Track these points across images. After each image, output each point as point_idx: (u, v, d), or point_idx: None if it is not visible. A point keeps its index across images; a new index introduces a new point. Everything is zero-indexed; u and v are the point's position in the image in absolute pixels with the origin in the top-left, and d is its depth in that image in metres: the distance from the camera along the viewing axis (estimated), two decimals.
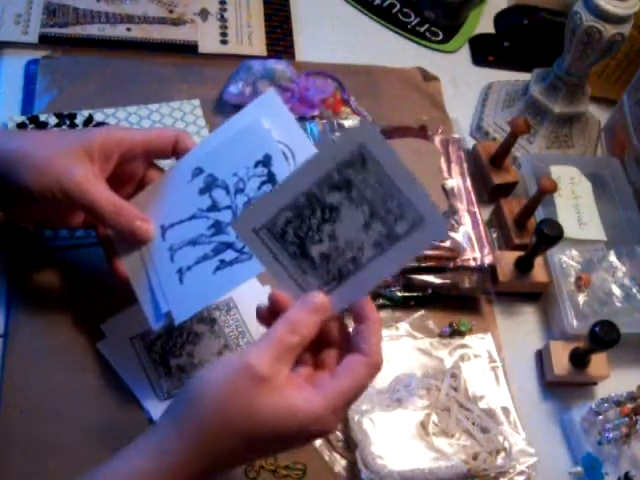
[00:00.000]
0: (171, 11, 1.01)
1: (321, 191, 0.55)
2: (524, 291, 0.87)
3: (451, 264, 0.82)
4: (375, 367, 0.56)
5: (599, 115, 1.05)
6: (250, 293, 0.73)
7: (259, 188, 0.65)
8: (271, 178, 0.64)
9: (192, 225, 0.67)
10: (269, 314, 0.58)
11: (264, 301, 0.59)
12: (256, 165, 0.65)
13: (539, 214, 0.88)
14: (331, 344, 0.58)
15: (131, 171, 0.70)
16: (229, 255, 0.65)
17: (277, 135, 0.65)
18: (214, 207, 0.66)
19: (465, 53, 1.10)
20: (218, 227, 0.66)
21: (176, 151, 0.69)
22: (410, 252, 0.55)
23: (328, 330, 0.58)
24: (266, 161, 0.65)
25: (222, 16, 1.03)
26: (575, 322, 0.82)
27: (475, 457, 0.72)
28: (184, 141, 0.69)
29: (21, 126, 0.84)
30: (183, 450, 0.53)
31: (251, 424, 0.53)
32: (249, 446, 0.54)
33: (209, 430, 0.53)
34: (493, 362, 0.81)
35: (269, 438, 0.54)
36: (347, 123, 0.90)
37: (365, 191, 0.54)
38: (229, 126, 0.68)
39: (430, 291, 0.82)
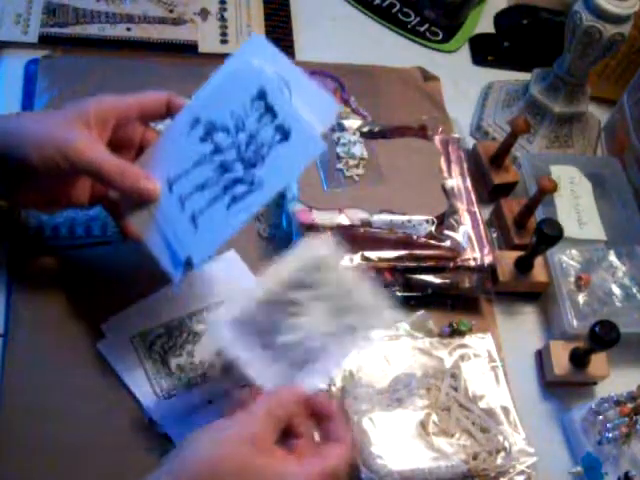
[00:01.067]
0: (171, 11, 1.01)
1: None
2: (524, 291, 0.87)
3: (451, 264, 0.82)
4: (349, 450, 0.60)
5: (599, 115, 1.05)
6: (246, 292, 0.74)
7: (259, 121, 0.65)
8: (269, 109, 0.65)
9: (198, 171, 0.68)
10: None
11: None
12: (252, 101, 0.66)
13: (539, 214, 0.88)
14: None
15: (128, 136, 0.71)
16: (239, 189, 0.65)
17: (270, 67, 0.66)
18: (217, 150, 0.67)
19: (465, 53, 1.10)
20: (224, 166, 0.67)
21: (170, 111, 0.71)
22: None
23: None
24: (262, 95, 0.65)
25: (222, 16, 1.03)
26: (575, 322, 0.82)
27: (475, 457, 0.72)
28: (176, 101, 0.71)
29: None
30: None
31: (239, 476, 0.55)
32: None
33: None
34: (493, 362, 0.81)
35: None
36: (347, 122, 0.90)
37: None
38: (220, 72, 0.69)
39: (430, 291, 0.82)
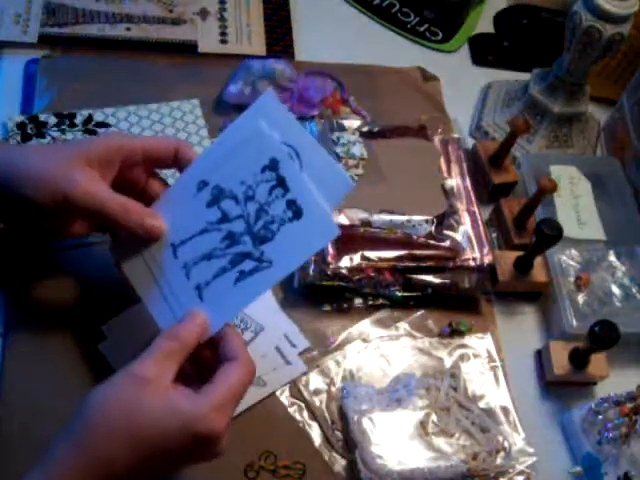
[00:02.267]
0: (171, 11, 1.01)
1: None
2: (524, 291, 0.87)
3: (451, 264, 0.82)
4: (247, 365, 0.61)
5: (599, 115, 1.05)
6: None
7: (270, 193, 0.63)
8: (281, 182, 0.62)
9: (204, 239, 0.65)
10: None
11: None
12: (263, 170, 0.63)
13: (539, 214, 0.88)
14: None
15: (132, 180, 0.69)
16: (248, 265, 0.63)
17: (280, 136, 0.63)
18: (224, 219, 0.65)
19: (465, 53, 1.10)
20: (232, 238, 0.64)
21: (177, 162, 0.68)
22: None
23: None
24: (273, 165, 0.63)
25: (222, 16, 1.03)
26: (575, 322, 0.82)
27: (475, 457, 0.72)
28: (186, 152, 0.68)
29: (21, 126, 0.84)
30: (71, 456, 0.56)
31: (132, 422, 0.57)
32: (135, 448, 0.56)
33: (93, 433, 0.56)
34: (493, 362, 0.81)
35: (154, 439, 0.57)
36: (347, 122, 0.90)
37: None
38: (230, 133, 0.66)
39: (430, 291, 0.82)
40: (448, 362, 0.80)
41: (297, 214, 0.62)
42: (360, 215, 0.82)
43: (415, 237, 0.82)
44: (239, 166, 0.64)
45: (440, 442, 0.72)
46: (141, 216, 0.65)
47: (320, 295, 0.81)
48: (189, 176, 0.67)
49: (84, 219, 0.70)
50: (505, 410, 0.78)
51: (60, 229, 0.70)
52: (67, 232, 0.70)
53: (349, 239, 0.80)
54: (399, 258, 0.80)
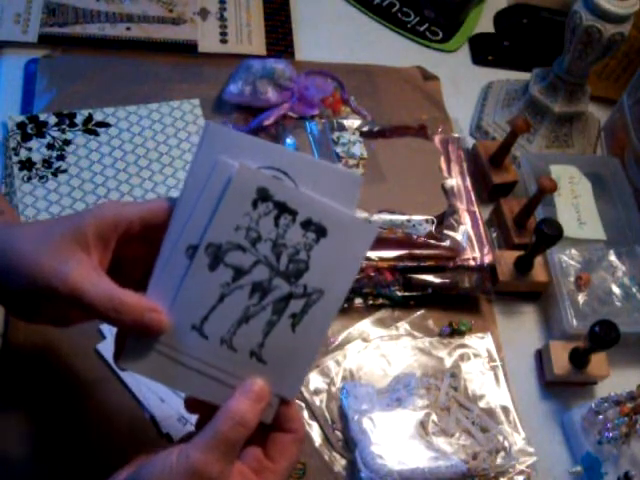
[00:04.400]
0: (171, 10, 1.01)
1: None
2: (524, 291, 0.87)
3: (451, 264, 0.82)
4: (302, 442, 0.57)
5: (599, 115, 1.05)
6: None
7: (276, 225, 0.56)
8: (282, 208, 0.55)
9: (229, 304, 0.56)
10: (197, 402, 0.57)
11: None
12: (254, 205, 0.55)
13: (539, 213, 0.88)
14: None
15: (133, 254, 0.60)
16: (297, 305, 0.56)
17: (253, 162, 0.56)
18: (239, 273, 0.56)
19: (465, 52, 1.10)
20: (261, 289, 0.56)
21: None
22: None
23: None
24: (263, 195, 0.55)
25: (222, 15, 1.03)
26: (575, 322, 0.82)
27: (475, 456, 0.72)
28: None
29: (21, 126, 0.85)
30: None
31: None
32: None
33: None
34: (493, 362, 0.81)
35: None
36: (347, 122, 0.90)
37: None
38: (193, 183, 0.56)
39: (430, 291, 0.82)
40: (448, 362, 0.80)
41: (320, 232, 0.56)
42: (360, 215, 0.82)
43: (415, 237, 0.82)
44: (223, 213, 0.55)
45: (440, 442, 0.72)
46: (140, 312, 0.55)
47: None
48: (171, 247, 0.56)
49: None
50: (505, 410, 0.78)
51: (61, 318, 0.63)
52: (69, 321, 0.63)
53: None
54: (399, 258, 0.80)
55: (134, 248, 0.59)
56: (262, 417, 0.55)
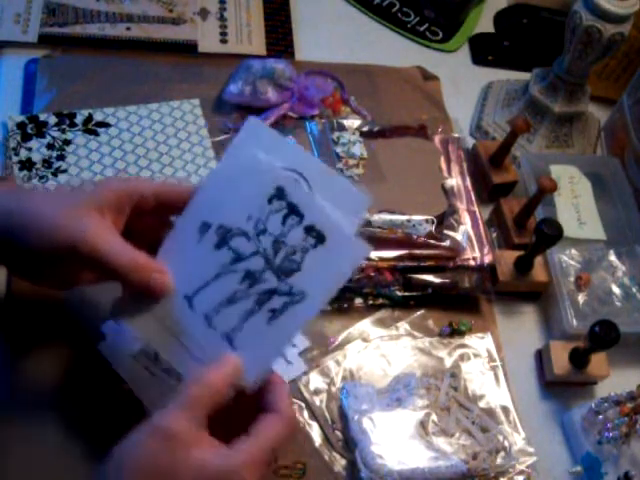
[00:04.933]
0: (171, 10, 1.01)
1: None
2: (524, 291, 0.87)
3: (451, 264, 0.82)
4: (289, 422, 0.58)
5: (599, 115, 1.05)
6: None
7: (283, 223, 0.59)
8: (292, 209, 0.59)
9: (221, 284, 0.60)
10: None
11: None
12: (270, 201, 0.59)
13: (539, 213, 0.88)
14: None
15: (143, 227, 0.65)
16: (277, 302, 0.59)
17: (279, 162, 0.60)
18: (238, 258, 0.60)
19: (465, 52, 1.10)
20: (252, 277, 0.60)
21: None
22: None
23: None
24: (280, 194, 0.59)
25: (222, 15, 1.03)
26: (575, 322, 0.82)
27: (475, 456, 0.72)
28: None
29: (21, 126, 0.85)
30: None
31: (163, 470, 0.53)
32: None
33: None
34: (493, 362, 0.81)
35: None
36: (347, 122, 0.90)
37: None
38: (223, 168, 0.63)
39: (430, 290, 0.82)
40: (448, 362, 0.80)
41: (320, 239, 0.58)
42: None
43: (415, 237, 0.82)
44: (241, 201, 0.60)
45: (440, 442, 0.72)
46: (148, 273, 0.60)
47: None
48: (188, 220, 0.62)
49: (92, 270, 0.66)
50: (505, 410, 0.78)
51: (67, 279, 0.67)
52: (74, 282, 0.67)
53: None
54: (399, 258, 0.80)
55: (144, 222, 0.64)
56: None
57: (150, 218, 0.64)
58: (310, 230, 0.59)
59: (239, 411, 0.58)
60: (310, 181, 0.59)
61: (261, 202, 0.60)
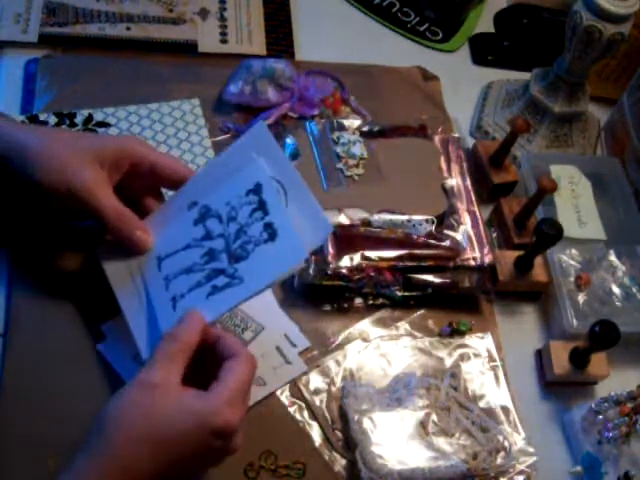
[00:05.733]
0: (171, 10, 1.01)
1: None
2: (524, 291, 0.87)
3: (451, 263, 0.82)
4: (248, 359, 0.63)
5: (599, 115, 1.05)
6: None
7: (250, 215, 0.67)
8: (261, 205, 0.67)
9: (187, 255, 0.69)
10: None
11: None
12: (247, 194, 0.67)
13: (539, 213, 0.88)
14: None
15: (133, 189, 0.72)
16: (221, 281, 0.66)
17: (269, 170, 0.67)
18: (208, 236, 0.69)
19: (465, 52, 1.10)
20: (211, 255, 0.68)
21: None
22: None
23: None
24: (257, 189, 0.67)
25: (222, 15, 1.03)
26: (575, 322, 0.82)
27: (475, 456, 0.72)
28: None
29: None
30: (94, 470, 0.56)
31: (149, 428, 0.58)
32: (155, 453, 0.57)
33: (113, 445, 0.57)
34: (493, 362, 0.81)
35: (172, 441, 0.58)
36: (347, 122, 0.90)
37: None
38: (222, 160, 0.71)
39: (430, 290, 0.82)
40: (448, 362, 0.80)
41: (272, 236, 0.66)
42: (360, 215, 0.82)
43: (415, 237, 0.82)
44: (227, 189, 0.69)
45: (440, 442, 0.72)
46: (133, 228, 0.69)
47: (320, 295, 0.80)
48: (182, 196, 0.71)
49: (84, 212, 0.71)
50: (505, 410, 0.78)
51: (58, 213, 0.74)
52: (64, 216, 0.74)
53: (349, 239, 0.80)
54: (399, 258, 0.80)
55: (137, 185, 0.71)
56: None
57: (140, 182, 0.71)
58: (268, 227, 0.66)
59: (207, 365, 0.64)
60: (288, 195, 0.67)
61: (240, 193, 0.68)
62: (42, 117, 0.86)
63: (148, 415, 0.58)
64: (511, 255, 0.85)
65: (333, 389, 0.76)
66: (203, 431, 0.58)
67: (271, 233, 0.66)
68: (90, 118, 0.87)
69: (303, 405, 0.75)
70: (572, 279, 0.85)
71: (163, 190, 0.76)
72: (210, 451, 0.60)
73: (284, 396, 0.75)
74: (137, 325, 0.69)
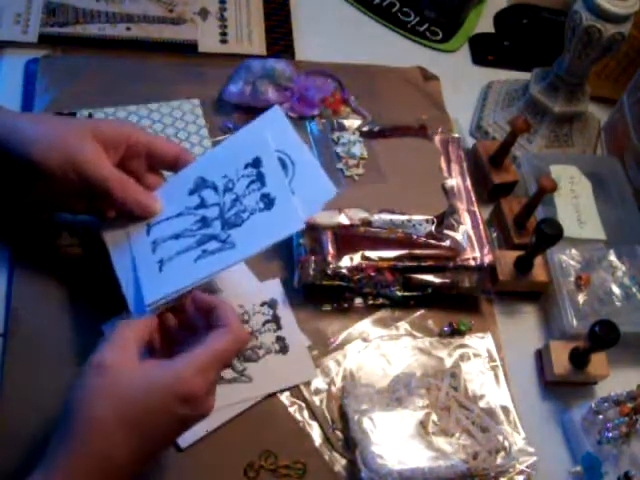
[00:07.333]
0: (171, 10, 1.01)
1: None
2: (524, 291, 0.87)
3: (451, 263, 0.82)
4: (236, 332, 0.62)
5: (599, 115, 1.05)
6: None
7: (247, 187, 0.69)
8: (260, 177, 0.68)
9: (178, 221, 0.70)
10: None
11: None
12: (245, 167, 0.70)
13: (539, 213, 0.88)
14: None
15: (132, 170, 0.72)
16: (212, 246, 0.68)
17: (278, 145, 0.69)
18: (202, 205, 0.70)
19: (465, 52, 1.10)
20: (204, 222, 0.69)
21: (177, 165, 0.73)
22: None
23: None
24: (256, 163, 0.69)
25: (222, 15, 1.03)
26: (575, 322, 0.82)
27: (475, 456, 0.72)
28: (186, 157, 0.73)
29: None
30: (63, 455, 0.56)
31: (116, 409, 0.56)
32: (129, 433, 0.56)
33: (81, 432, 0.57)
34: (493, 362, 0.81)
35: (140, 415, 0.57)
36: (347, 122, 0.90)
37: None
38: (233, 140, 0.73)
39: (430, 290, 0.82)
40: (448, 362, 0.80)
41: (268, 205, 0.67)
42: (360, 215, 0.82)
43: (415, 237, 0.82)
44: (226, 162, 0.71)
45: (440, 442, 0.72)
46: (138, 193, 0.70)
47: (320, 295, 0.81)
48: (189, 171, 0.73)
49: (82, 196, 0.71)
50: (505, 410, 0.78)
51: (57, 201, 0.73)
52: (63, 205, 0.74)
53: (349, 239, 0.80)
54: (399, 258, 0.80)
55: (135, 165, 0.72)
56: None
57: (138, 162, 0.72)
58: (264, 197, 0.68)
59: (189, 337, 0.65)
60: (296, 167, 0.68)
61: (238, 167, 0.70)
62: None
63: (111, 396, 0.57)
64: (511, 255, 0.85)
65: (333, 389, 0.76)
66: (167, 398, 0.57)
67: (267, 203, 0.67)
68: (90, 118, 0.87)
69: (303, 405, 0.75)
70: (572, 279, 0.85)
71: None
72: (179, 418, 0.59)
73: (284, 396, 0.75)
74: (129, 289, 0.69)
